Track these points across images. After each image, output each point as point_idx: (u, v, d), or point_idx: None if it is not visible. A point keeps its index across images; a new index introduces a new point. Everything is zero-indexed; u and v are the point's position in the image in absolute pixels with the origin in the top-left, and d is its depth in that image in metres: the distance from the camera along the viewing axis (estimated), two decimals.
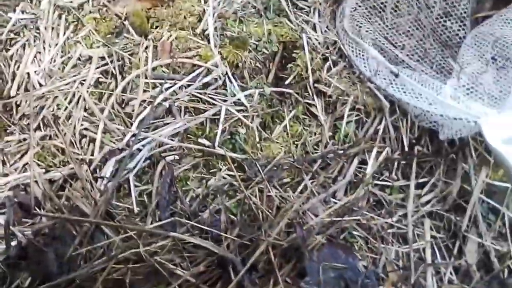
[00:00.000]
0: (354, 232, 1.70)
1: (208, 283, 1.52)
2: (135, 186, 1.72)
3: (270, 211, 1.69)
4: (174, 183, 1.69)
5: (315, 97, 1.89)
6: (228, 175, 1.76)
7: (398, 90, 1.78)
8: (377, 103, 1.87)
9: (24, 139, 1.77)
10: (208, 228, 1.61)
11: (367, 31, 1.96)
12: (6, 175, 1.74)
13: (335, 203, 1.74)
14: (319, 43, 1.96)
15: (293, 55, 1.92)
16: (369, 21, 2.01)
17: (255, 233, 1.59)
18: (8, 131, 1.82)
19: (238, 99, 1.84)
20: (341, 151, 1.80)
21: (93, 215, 1.59)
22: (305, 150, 1.83)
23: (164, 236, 1.57)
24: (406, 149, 1.84)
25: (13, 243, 1.59)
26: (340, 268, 1.59)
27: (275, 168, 1.75)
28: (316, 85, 1.89)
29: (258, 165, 1.73)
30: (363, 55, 1.88)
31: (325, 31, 2.00)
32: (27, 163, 1.74)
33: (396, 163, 1.83)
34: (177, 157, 1.77)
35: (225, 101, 1.82)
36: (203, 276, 1.52)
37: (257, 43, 1.91)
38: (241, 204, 1.69)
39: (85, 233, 1.58)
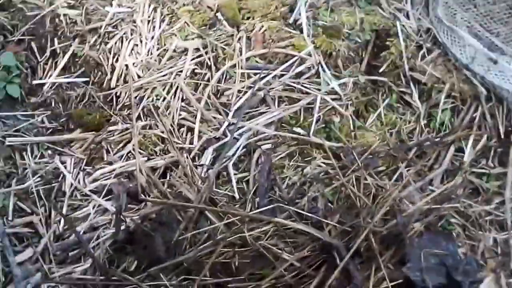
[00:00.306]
0: (452, 220, 1.70)
1: (312, 267, 1.54)
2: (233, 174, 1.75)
3: (367, 197, 1.70)
4: (272, 171, 1.72)
5: (411, 84, 1.88)
6: (324, 163, 1.77)
7: (496, 76, 1.77)
8: (473, 91, 1.86)
9: (126, 129, 1.83)
10: (309, 214, 1.63)
11: (462, 18, 1.95)
12: (110, 163, 1.80)
13: (432, 191, 1.74)
14: (412, 30, 1.96)
15: (386, 43, 1.93)
16: (462, 9, 1.99)
17: (355, 220, 1.60)
18: (110, 121, 1.88)
19: (332, 88, 1.86)
20: (437, 139, 1.79)
21: (197, 201, 1.63)
22: (399, 138, 1.84)
23: (266, 221, 1.60)
24: (503, 136, 1.83)
25: (121, 228, 1.65)
26: (440, 255, 1.60)
27: (370, 156, 1.76)
28: (410, 73, 1.89)
29: (354, 154, 1.74)
30: (459, 42, 1.87)
31: (419, 18, 1.99)
32: (130, 152, 1.79)
33: (493, 151, 1.81)
34: (272, 145, 1.80)
35: (319, 90, 1.84)
36: (307, 261, 1.55)
37: (349, 32, 1.92)
38: (337, 191, 1.70)
39: (190, 218, 1.63)
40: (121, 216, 1.60)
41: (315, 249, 1.56)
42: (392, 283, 1.53)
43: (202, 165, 1.75)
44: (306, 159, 1.79)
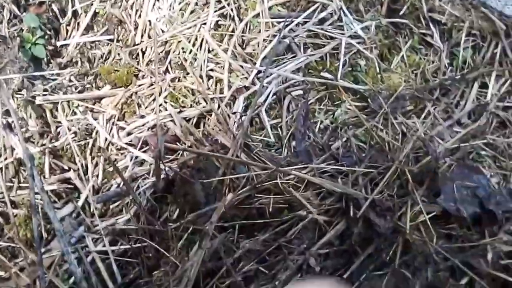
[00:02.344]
0: (482, 152, 1.75)
1: (338, 214, 1.60)
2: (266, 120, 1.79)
3: (396, 137, 1.75)
4: (309, 116, 1.76)
5: (431, 25, 1.92)
6: (353, 106, 1.81)
7: None
8: (492, 27, 1.90)
9: (156, 82, 1.85)
10: (344, 157, 1.68)
11: None
12: (142, 116, 1.83)
13: (460, 126, 1.79)
14: None
15: None
16: None
17: (386, 160, 1.65)
18: (138, 76, 1.90)
19: (355, 32, 1.89)
20: (460, 77, 1.84)
21: (233, 147, 1.67)
22: (424, 78, 1.88)
23: (301, 167, 1.65)
24: None
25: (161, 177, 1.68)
26: (472, 187, 1.65)
27: (397, 98, 1.80)
28: (430, 14, 1.93)
29: (380, 98, 1.78)
30: None
31: None
32: (161, 104, 1.82)
33: None
34: (302, 91, 1.83)
35: (342, 34, 1.87)
36: (333, 211, 1.60)
37: None
38: (369, 133, 1.75)
39: (227, 164, 1.66)
40: (161, 164, 1.63)
41: (339, 199, 1.61)
42: (429, 216, 1.59)
43: (235, 112, 1.78)
44: (336, 103, 1.83)
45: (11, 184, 1.79)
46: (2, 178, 1.79)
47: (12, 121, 1.80)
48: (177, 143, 1.74)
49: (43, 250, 1.67)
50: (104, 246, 1.67)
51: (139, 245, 1.63)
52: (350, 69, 1.86)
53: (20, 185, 1.78)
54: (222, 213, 1.60)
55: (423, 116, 1.80)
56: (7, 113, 1.83)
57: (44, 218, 1.70)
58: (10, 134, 1.80)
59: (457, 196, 1.63)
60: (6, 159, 1.80)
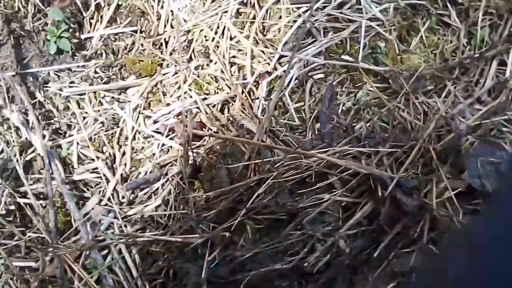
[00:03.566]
0: (503, 129, 1.76)
1: (365, 195, 1.62)
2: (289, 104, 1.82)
3: (418, 117, 1.77)
4: (334, 98, 1.79)
5: (448, 5, 1.94)
6: (374, 87, 1.84)
7: None
8: (508, 6, 1.91)
9: (180, 70, 1.88)
10: (367, 138, 1.71)
11: None
12: (168, 104, 1.86)
13: (480, 103, 1.81)
14: None
15: None
16: None
17: (409, 139, 1.68)
18: (162, 65, 1.93)
19: (374, 15, 1.91)
20: (478, 55, 1.86)
21: (259, 132, 1.70)
22: (443, 58, 1.89)
23: (323, 150, 1.68)
24: None
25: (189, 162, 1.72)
26: (496, 163, 1.67)
27: (417, 78, 1.82)
28: None
29: (401, 78, 1.80)
30: None
31: None
32: (185, 92, 1.85)
33: None
34: (323, 75, 1.86)
35: (361, 17, 1.90)
36: (356, 193, 1.62)
37: None
38: (391, 114, 1.77)
39: (253, 149, 1.69)
40: (189, 150, 1.66)
41: (365, 180, 1.63)
42: (454, 192, 1.61)
43: (258, 98, 1.80)
44: (357, 85, 1.85)
45: (40, 176, 1.82)
46: (29, 171, 1.82)
47: (35, 115, 1.84)
48: (203, 129, 1.76)
49: (73, 239, 1.71)
50: (132, 232, 1.70)
51: (167, 231, 1.66)
52: (370, 51, 1.88)
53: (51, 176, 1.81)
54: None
55: (443, 95, 1.82)
56: (33, 107, 1.86)
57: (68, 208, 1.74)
58: (37, 127, 1.83)
59: (481, 171, 1.65)
60: (34, 151, 1.83)
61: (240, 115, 1.76)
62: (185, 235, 1.63)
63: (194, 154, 1.70)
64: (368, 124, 1.77)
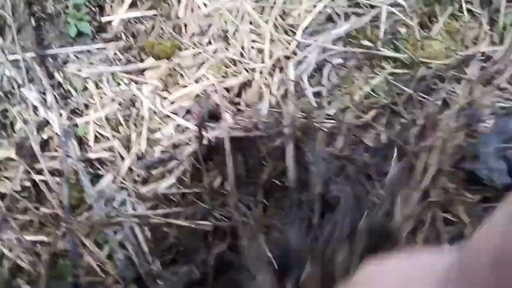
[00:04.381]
0: None
1: None
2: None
3: (437, 102, 1.75)
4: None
5: None
6: (393, 73, 1.82)
7: None
8: None
9: (199, 53, 1.88)
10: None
11: None
12: (185, 86, 1.86)
13: (500, 91, 1.78)
14: None
15: None
16: None
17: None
18: (181, 48, 1.93)
19: (395, 1, 1.89)
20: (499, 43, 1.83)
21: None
22: (464, 45, 1.87)
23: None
24: None
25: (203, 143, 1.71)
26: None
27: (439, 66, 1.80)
28: None
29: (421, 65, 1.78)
30: None
31: None
32: (203, 74, 1.85)
33: None
34: (342, 60, 1.84)
35: (383, 3, 1.88)
36: None
37: None
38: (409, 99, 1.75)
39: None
40: (204, 129, 1.65)
41: None
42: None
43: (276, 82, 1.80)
44: (376, 70, 1.83)
45: (56, 154, 1.82)
46: (45, 149, 1.82)
47: (53, 95, 1.85)
48: (219, 111, 1.75)
49: (86, 215, 1.70)
50: (144, 210, 1.69)
51: (178, 210, 1.65)
52: (390, 37, 1.86)
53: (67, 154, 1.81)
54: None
55: (463, 82, 1.79)
56: (52, 87, 1.87)
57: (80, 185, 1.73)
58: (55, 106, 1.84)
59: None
60: (51, 130, 1.83)
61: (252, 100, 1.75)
62: (198, 220, 1.62)
63: (209, 136, 1.69)
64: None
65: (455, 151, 1.62)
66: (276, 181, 1.64)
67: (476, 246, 0.47)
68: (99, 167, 1.80)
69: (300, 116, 1.72)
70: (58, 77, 1.92)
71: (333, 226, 1.52)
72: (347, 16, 1.89)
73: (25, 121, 1.83)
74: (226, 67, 1.85)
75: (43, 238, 1.65)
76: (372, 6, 1.88)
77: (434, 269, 0.55)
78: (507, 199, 0.44)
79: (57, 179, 1.76)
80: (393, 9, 1.86)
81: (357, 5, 1.90)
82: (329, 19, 1.89)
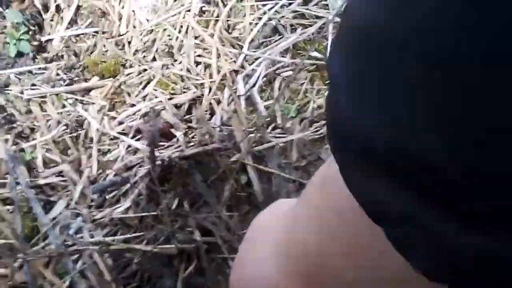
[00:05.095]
0: None
1: None
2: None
3: None
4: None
5: None
6: None
7: None
8: None
9: (145, 70, 1.85)
10: None
11: None
12: (132, 105, 1.83)
13: None
14: None
15: None
16: None
17: None
18: (125, 65, 1.90)
19: (340, 11, 1.90)
20: None
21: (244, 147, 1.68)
22: None
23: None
24: None
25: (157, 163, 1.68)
26: None
27: None
28: None
29: None
30: None
31: None
32: (151, 92, 1.82)
33: None
34: (291, 72, 1.85)
35: (328, 13, 1.89)
36: None
37: None
38: None
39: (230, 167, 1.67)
40: (156, 151, 1.63)
41: None
42: None
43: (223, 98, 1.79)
44: (327, 82, 1.84)
45: (5, 181, 1.76)
46: None
47: None
48: (170, 130, 1.73)
49: (42, 244, 1.65)
50: (102, 237, 1.65)
51: (138, 234, 1.62)
52: None
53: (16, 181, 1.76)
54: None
55: None
56: None
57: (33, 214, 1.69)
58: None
59: None
60: None
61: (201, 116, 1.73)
62: (160, 244, 1.59)
63: (163, 155, 1.67)
64: None
65: None
66: (241, 193, 1.62)
67: (312, 180, 0.52)
68: (51, 193, 1.75)
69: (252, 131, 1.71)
70: (0, 100, 1.85)
71: None
72: (293, 28, 1.89)
73: None
74: (174, 83, 1.82)
75: (0, 270, 1.60)
76: (318, 17, 1.89)
77: (284, 206, 0.63)
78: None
79: (9, 207, 1.70)
80: (339, 20, 1.87)
81: (303, 16, 1.90)
82: (275, 31, 1.89)
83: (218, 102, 1.78)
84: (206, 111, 1.78)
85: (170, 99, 1.81)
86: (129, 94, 1.85)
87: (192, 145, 1.71)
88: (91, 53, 1.95)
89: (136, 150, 1.76)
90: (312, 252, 0.49)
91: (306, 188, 0.54)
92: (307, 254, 0.50)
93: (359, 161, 0.27)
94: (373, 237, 0.31)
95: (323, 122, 1.75)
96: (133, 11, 1.95)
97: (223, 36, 1.86)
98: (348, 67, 0.27)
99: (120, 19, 1.95)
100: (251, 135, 1.69)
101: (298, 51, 1.86)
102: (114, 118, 1.82)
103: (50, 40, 1.98)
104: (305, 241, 0.50)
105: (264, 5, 1.90)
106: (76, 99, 1.86)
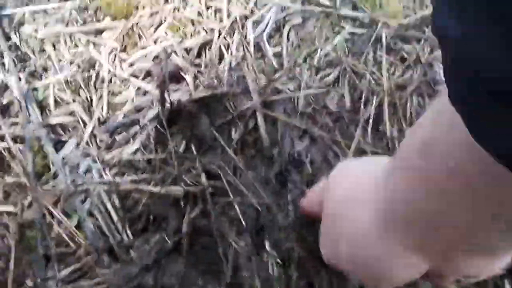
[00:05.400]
0: None
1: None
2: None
3: (396, 62, 1.78)
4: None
5: None
6: (352, 32, 1.83)
7: None
8: None
9: (156, 12, 1.86)
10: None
11: None
12: (143, 47, 1.84)
13: None
14: None
15: None
16: None
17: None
18: (138, 7, 1.91)
19: None
20: None
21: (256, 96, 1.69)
22: (424, 4, 1.89)
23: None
24: None
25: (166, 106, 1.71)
26: None
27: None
28: None
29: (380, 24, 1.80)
30: None
31: None
32: (162, 35, 1.84)
33: None
34: (301, 20, 1.85)
35: None
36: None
37: None
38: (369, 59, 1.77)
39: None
40: (166, 93, 1.65)
41: None
42: None
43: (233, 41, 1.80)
44: (335, 30, 1.84)
45: (17, 119, 1.80)
46: (5, 115, 1.80)
47: (11, 58, 1.82)
48: (180, 72, 1.75)
49: (51, 183, 1.70)
50: (110, 176, 1.70)
51: (146, 176, 1.66)
52: None
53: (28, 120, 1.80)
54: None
55: (422, 41, 1.82)
56: (9, 49, 1.84)
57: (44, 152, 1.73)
58: (13, 70, 1.81)
59: None
60: (10, 94, 1.81)
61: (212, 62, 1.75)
62: (168, 185, 1.63)
63: (172, 98, 1.69)
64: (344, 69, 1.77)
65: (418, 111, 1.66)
66: (249, 137, 1.65)
67: (408, 140, 0.54)
68: (62, 132, 1.79)
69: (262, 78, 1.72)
70: (15, 38, 1.88)
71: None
72: None
73: None
74: (184, 27, 1.84)
75: (10, 208, 1.66)
76: None
77: (379, 163, 0.64)
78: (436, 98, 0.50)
79: (20, 146, 1.75)
80: None
81: None
82: None
83: (228, 47, 1.79)
84: (216, 56, 1.79)
85: (181, 42, 1.82)
86: (140, 36, 1.86)
87: (201, 89, 1.73)
88: None
89: (145, 92, 1.79)
90: (427, 215, 0.52)
91: (402, 150, 0.56)
92: (416, 215, 0.52)
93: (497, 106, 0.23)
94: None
95: (329, 70, 1.77)
96: None
97: None
98: None
99: None
100: (261, 81, 1.70)
101: None
102: (125, 60, 1.84)
103: None
104: (416, 204, 0.53)
105: None
106: (89, 40, 1.88)
